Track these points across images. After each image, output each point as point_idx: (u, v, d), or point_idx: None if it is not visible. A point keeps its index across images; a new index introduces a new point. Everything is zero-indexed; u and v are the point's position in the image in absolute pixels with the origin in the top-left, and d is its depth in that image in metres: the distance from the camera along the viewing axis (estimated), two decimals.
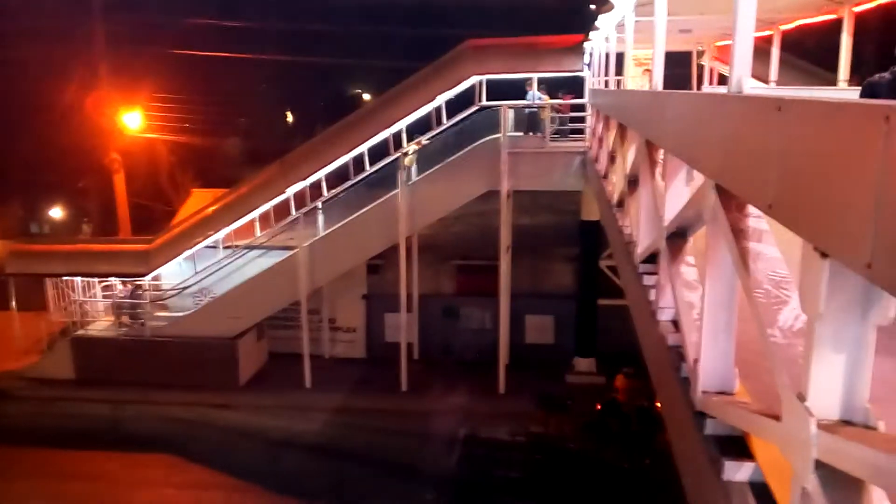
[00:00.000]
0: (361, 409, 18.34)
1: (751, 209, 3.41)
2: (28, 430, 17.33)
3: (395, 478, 15.18)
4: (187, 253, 19.93)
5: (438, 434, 16.81)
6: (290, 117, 46.21)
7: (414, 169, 19.04)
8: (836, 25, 11.63)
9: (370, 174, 19.09)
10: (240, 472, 15.33)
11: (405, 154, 18.80)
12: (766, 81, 13.89)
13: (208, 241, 19.86)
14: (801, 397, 2.44)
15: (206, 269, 20.09)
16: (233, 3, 36.27)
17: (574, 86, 19.33)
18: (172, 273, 20.57)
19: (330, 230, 19.22)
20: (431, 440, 16.59)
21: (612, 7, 10.88)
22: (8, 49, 29.91)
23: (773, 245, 3.37)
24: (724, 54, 17.78)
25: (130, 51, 30.16)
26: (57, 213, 34.74)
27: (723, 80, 17.50)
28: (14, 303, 21.09)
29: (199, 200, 23.00)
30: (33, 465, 15.63)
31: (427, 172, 18.79)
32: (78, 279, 20.83)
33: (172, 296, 20.45)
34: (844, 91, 10.77)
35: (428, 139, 19.11)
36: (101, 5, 27.71)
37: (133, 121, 28.93)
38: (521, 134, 18.98)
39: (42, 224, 34.94)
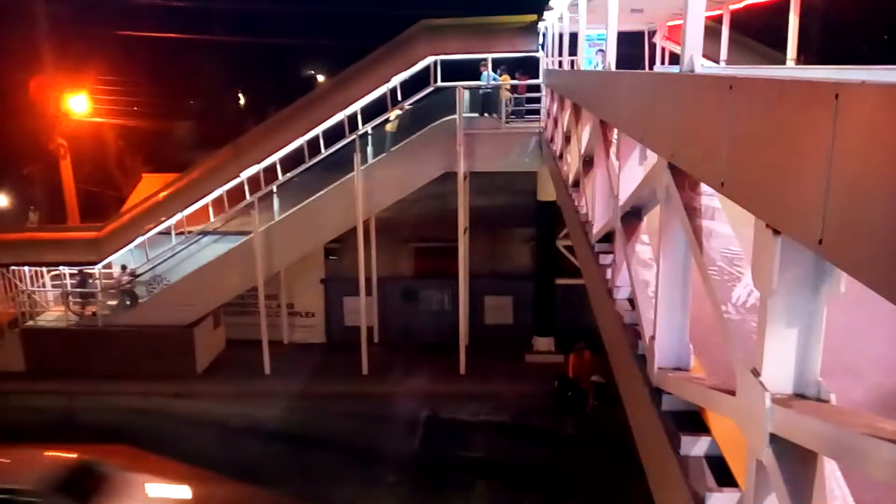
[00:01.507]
0: (322, 393, 18.26)
1: (703, 187, 3.44)
2: None
3: (357, 461, 15.17)
4: (139, 240, 19.52)
5: (400, 416, 16.84)
6: (242, 99, 45.43)
7: (370, 152, 18.91)
8: (783, 5, 11.80)
9: (326, 156, 18.89)
10: (200, 461, 15.12)
11: (387, 120, 18.72)
12: (716, 61, 14.05)
13: (160, 228, 19.47)
14: (756, 372, 2.48)
15: (158, 257, 19.73)
16: None
17: (530, 67, 19.35)
18: (124, 261, 20.11)
19: (286, 214, 18.99)
20: (393, 423, 16.61)
21: None
22: None
23: (726, 222, 3.41)
24: (676, 34, 17.93)
25: (75, 32, 29.24)
26: (1, 200, 33.64)
27: (675, 59, 17.69)
28: None
29: (150, 186, 22.51)
30: None
31: (384, 154, 18.67)
32: (26, 269, 20.26)
33: (124, 284, 20.02)
34: (793, 70, 10.96)
35: (410, 104, 18.96)
36: None
37: (79, 104, 28.08)
38: (476, 115, 18.96)
39: None
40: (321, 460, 15.24)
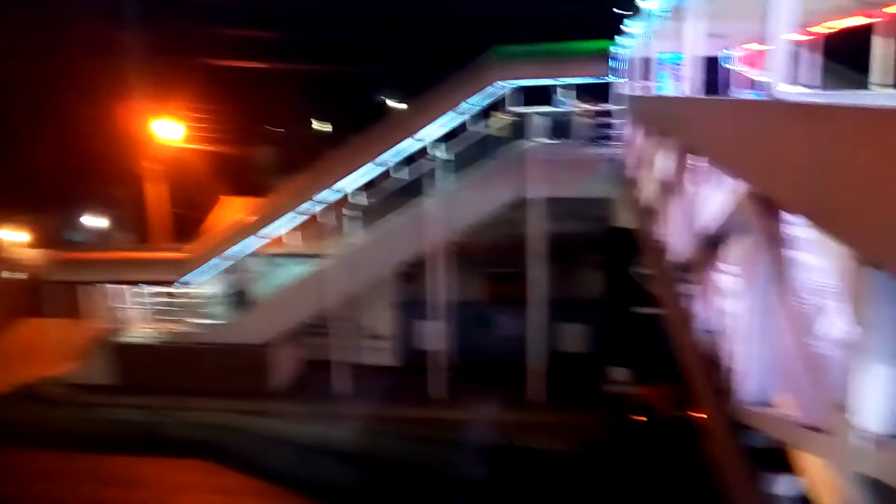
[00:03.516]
0: (393, 417, 18.34)
1: (788, 217, 3.35)
2: (68, 435, 17.62)
3: (426, 486, 15.15)
4: (223, 262, 20.16)
5: (470, 443, 16.75)
6: (316, 125, 46.66)
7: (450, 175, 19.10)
8: (869, 28, 11.42)
9: (402, 182, 19.19)
10: (273, 478, 15.43)
11: (490, 125, 19.16)
12: (804, 86, 13.68)
13: (243, 250, 20.09)
14: (847, 410, 2.39)
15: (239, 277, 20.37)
16: (265, 13, 36.81)
17: (603, 92, 19.24)
18: (208, 283, 20.84)
19: (361, 238, 19.32)
20: (463, 449, 16.53)
21: (640, 12, 10.82)
22: (47, 61, 30.66)
23: (812, 253, 3.31)
24: (754, 58, 17.55)
25: (161, 62, 30.67)
26: (92, 221, 35.36)
27: (753, 84, 17.27)
28: (51, 310, 21.52)
29: (227, 207, 23.27)
30: (73, 470, 15.90)
31: (457, 180, 18.83)
32: (116, 286, 21.19)
33: (208, 303, 20.73)
34: (882, 97, 10.57)
35: (514, 113, 19.22)
36: (135, 16, 28.25)
37: (166, 130, 29.36)
38: (549, 141, 18.93)
39: (77, 232, 35.53)
40: (391, 483, 15.29)
